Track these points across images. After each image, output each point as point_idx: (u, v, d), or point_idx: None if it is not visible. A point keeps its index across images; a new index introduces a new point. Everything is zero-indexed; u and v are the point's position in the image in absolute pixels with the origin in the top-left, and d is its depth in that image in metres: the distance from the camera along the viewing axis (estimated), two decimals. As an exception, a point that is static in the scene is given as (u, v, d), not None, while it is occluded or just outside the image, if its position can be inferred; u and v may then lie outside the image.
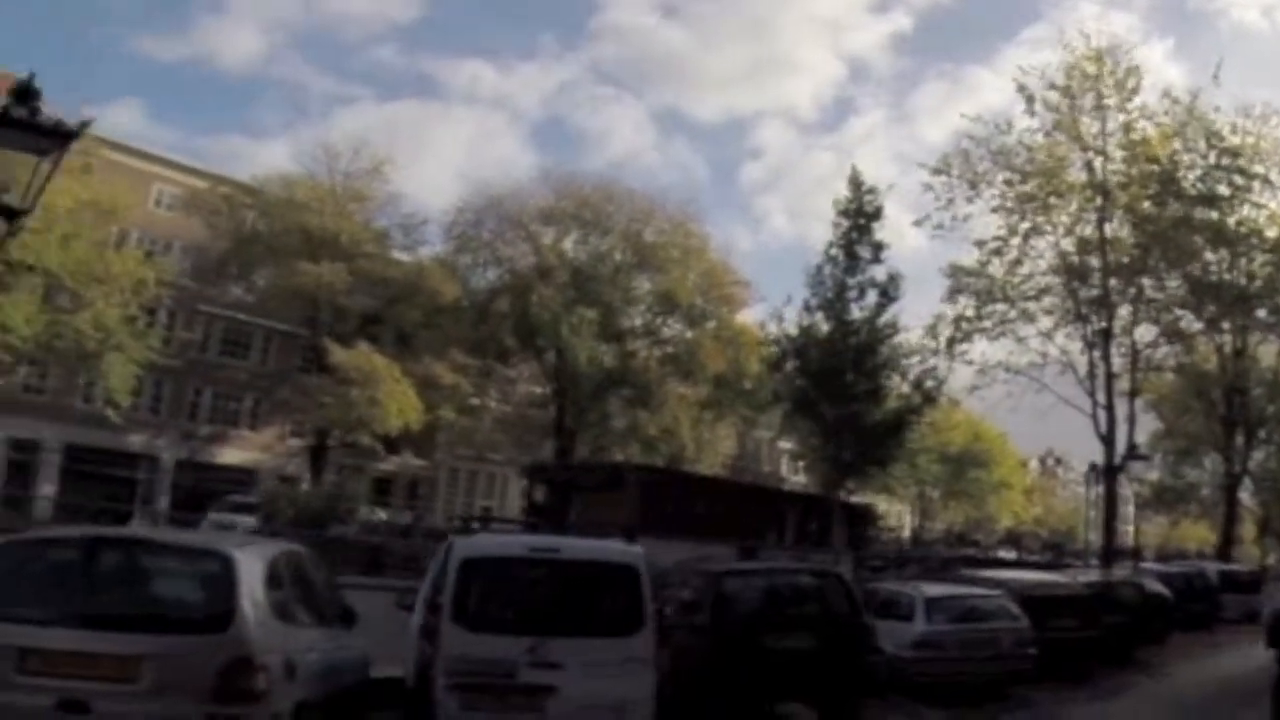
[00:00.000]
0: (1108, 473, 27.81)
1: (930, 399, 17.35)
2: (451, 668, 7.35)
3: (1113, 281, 28.63)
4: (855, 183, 16.63)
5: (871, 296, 16.48)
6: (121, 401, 34.18)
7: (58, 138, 7.25)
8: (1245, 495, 54.55)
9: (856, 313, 16.19)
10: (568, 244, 46.56)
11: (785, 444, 68.87)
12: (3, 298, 30.07)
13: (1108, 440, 27.37)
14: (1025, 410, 29.98)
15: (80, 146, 32.77)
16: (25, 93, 6.71)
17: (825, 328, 16.27)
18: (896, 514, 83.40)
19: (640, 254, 45.82)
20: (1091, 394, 27.84)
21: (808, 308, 17.11)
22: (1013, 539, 60.61)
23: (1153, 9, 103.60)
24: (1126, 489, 76.27)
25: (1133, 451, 24.55)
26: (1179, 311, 29.16)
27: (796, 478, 75.20)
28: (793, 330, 17.16)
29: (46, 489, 37.61)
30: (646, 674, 7.71)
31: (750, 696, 10.19)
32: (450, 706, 7.32)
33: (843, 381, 15.84)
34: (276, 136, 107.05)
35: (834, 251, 16.49)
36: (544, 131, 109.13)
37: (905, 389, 17.02)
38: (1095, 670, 16.17)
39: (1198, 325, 30.10)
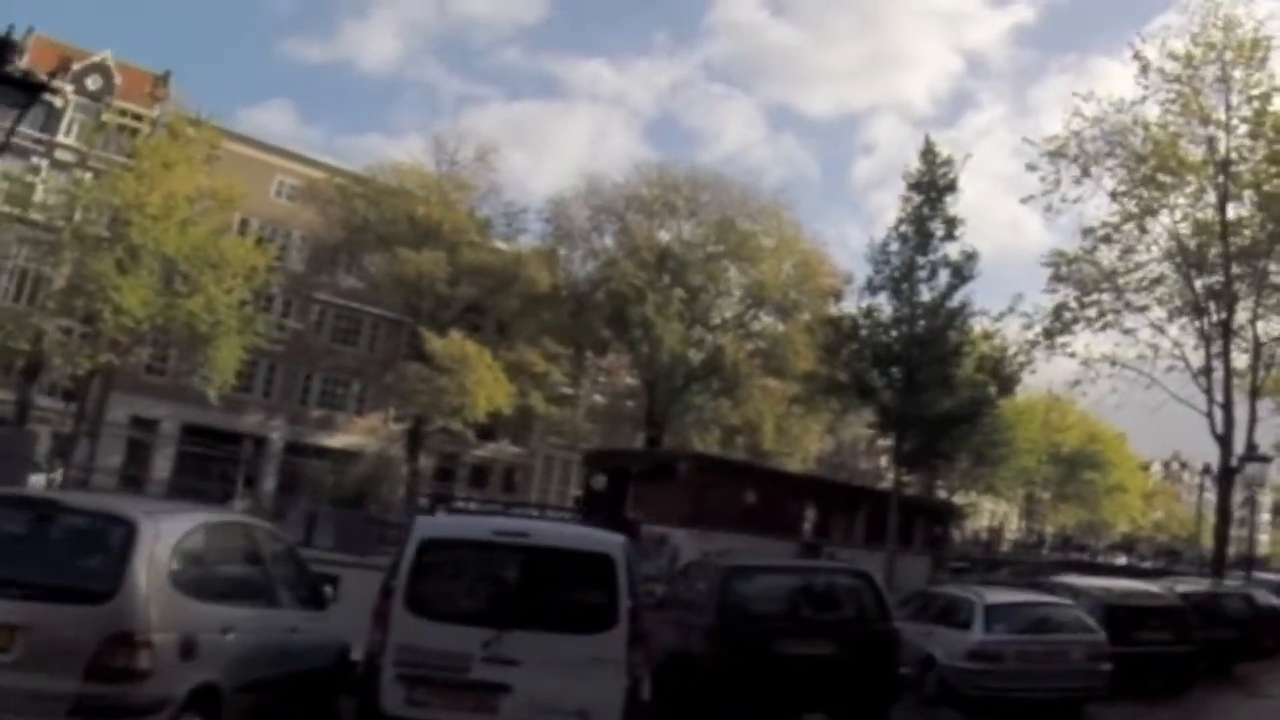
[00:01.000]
0: (1223, 476, 25.55)
1: (1007, 389, 15.86)
2: (400, 657, 6.76)
3: (1235, 269, 26.25)
4: (928, 153, 15.37)
5: (944, 278, 15.12)
6: (225, 384, 35.24)
7: (29, 90, 7.02)
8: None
9: (926, 294, 14.87)
10: (661, 233, 46.04)
11: (886, 442, 66.94)
12: (121, 280, 31.29)
13: (1224, 441, 25.16)
14: (1134, 407, 27.88)
15: (204, 138, 35.08)
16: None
17: (889, 309, 15.02)
18: (1002, 515, 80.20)
19: (731, 243, 45.00)
20: (1208, 391, 25.63)
21: (870, 287, 15.88)
22: (1126, 544, 57.29)
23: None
24: (1262, 497, 71.97)
25: (1252, 453, 22.38)
26: None
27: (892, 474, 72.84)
28: (853, 311, 15.99)
29: (163, 466, 39.05)
30: (616, 677, 6.93)
31: (759, 707, 9.27)
32: (396, 698, 6.73)
33: (906, 367, 14.55)
34: (411, 135, 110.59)
35: (904, 229, 15.21)
36: (658, 129, 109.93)
37: (979, 376, 15.51)
38: (1187, 688, 14.65)
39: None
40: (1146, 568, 39.60)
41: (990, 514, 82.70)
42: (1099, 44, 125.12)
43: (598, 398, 54.18)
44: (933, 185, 15.19)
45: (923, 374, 14.68)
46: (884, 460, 72.52)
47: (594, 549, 7.32)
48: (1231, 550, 65.24)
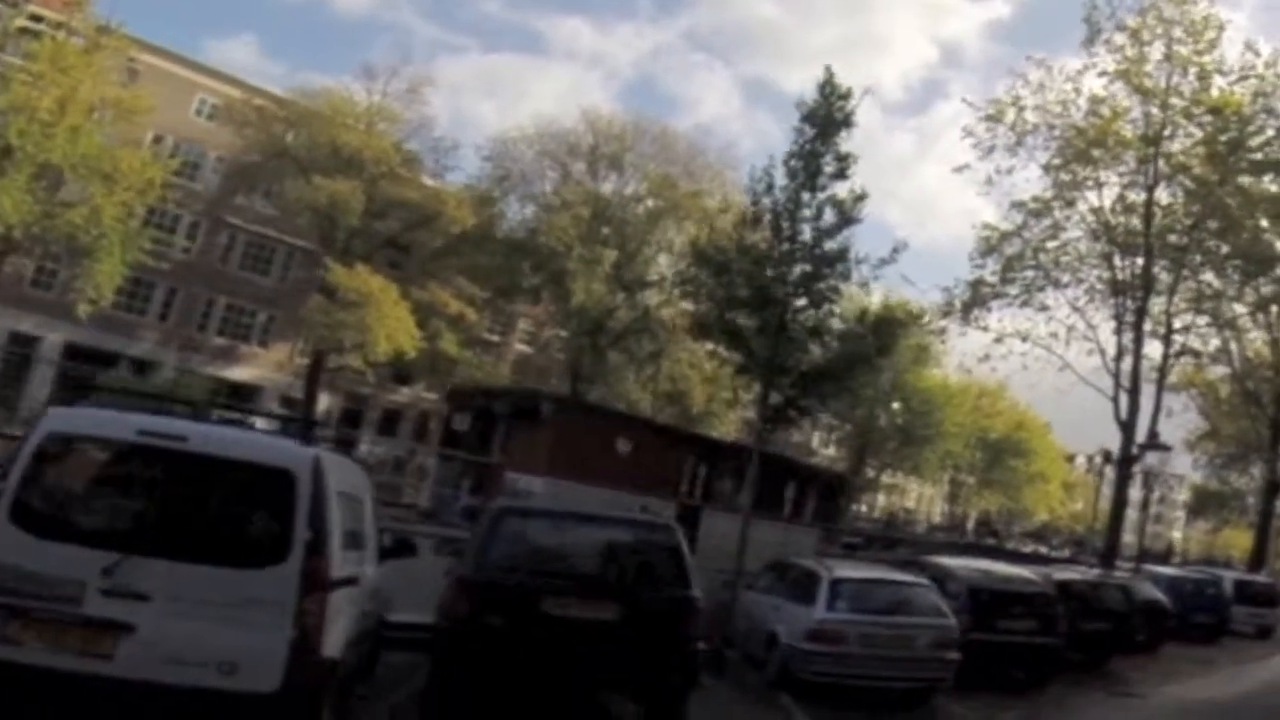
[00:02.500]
0: (1122, 463, 24.84)
1: (885, 349, 14.43)
2: None
3: (1156, 255, 25.44)
4: (827, 85, 13.92)
5: (830, 219, 13.71)
6: (101, 301, 33.14)
7: None
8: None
9: (809, 234, 13.44)
10: (603, 184, 44.51)
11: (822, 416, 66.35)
12: (-6, 182, 29.16)
13: (1126, 427, 24.50)
14: (1046, 389, 27.17)
15: (114, 46, 32.83)
16: None
17: (766, 247, 13.55)
18: (929, 498, 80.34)
19: (671, 200, 43.53)
20: (1115, 375, 24.98)
21: (746, 221, 14.38)
22: (1039, 533, 57.40)
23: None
24: (1178, 494, 72.49)
25: (1152, 441, 21.54)
26: (1218, 284, 25.82)
27: (826, 450, 72.57)
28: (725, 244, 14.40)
29: (40, 388, 36.85)
30: (279, 625, 5.54)
31: (523, 678, 7.86)
32: None
33: (780, 311, 13.17)
34: (382, 80, 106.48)
35: (793, 163, 13.76)
36: (635, 92, 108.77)
37: (857, 328, 14.12)
38: (1050, 682, 13.67)
39: (1243, 309, 26.79)
40: (1050, 555, 39.29)
41: (917, 496, 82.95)
42: (1068, 43, 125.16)
43: (525, 348, 52.75)
44: (828, 119, 13.74)
45: (796, 322, 13.29)
46: (815, 433, 72.36)
47: (270, 462, 5.82)
48: (1144, 544, 66.10)
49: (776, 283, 13.19)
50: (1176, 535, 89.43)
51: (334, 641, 5.98)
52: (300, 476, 5.77)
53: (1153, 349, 25.78)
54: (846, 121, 13.78)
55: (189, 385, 33.14)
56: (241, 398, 41.67)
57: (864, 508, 62.78)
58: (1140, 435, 23.84)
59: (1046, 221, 26.76)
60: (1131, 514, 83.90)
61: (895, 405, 59.31)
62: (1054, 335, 25.96)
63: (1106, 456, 27.26)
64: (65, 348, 38.70)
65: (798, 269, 13.32)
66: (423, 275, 40.29)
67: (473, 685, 7.86)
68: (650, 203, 44.98)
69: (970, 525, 62.59)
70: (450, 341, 39.75)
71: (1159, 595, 19.20)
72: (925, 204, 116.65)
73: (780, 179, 13.70)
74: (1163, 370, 25.74)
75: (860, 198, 13.65)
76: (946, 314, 25.39)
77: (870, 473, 67.36)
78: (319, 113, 39.58)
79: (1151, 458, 20.53)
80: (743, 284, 13.10)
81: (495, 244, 41.70)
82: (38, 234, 31.56)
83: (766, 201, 13.75)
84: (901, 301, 29.79)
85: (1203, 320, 26.81)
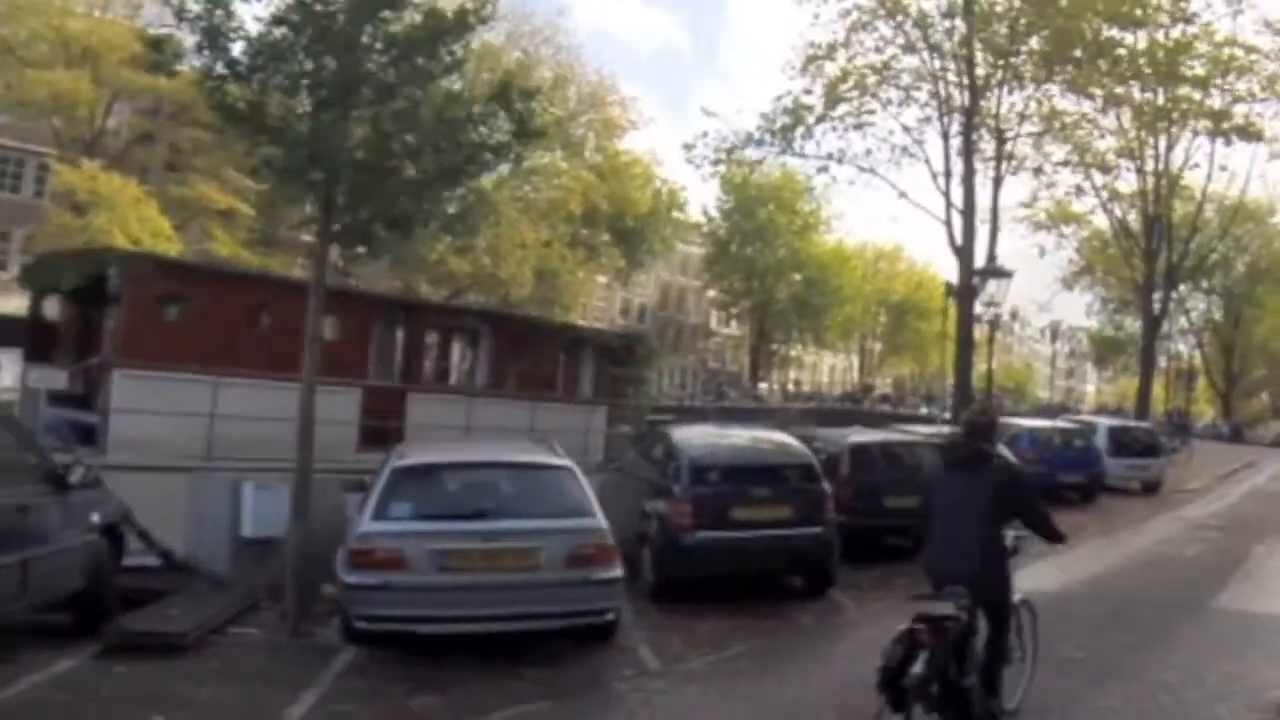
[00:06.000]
0: (962, 294, 21.00)
1: (525, 136, 9.40)
2: None
3: (980, 51, 21.30)
4: None
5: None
6: None
7: None
8: (1186, 349, 48.87)
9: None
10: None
11: (714, 293, 62.43)
12: None
13: (963, 253, 20.70)
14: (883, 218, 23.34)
15: None
16: None
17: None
18: (842, 369, 77.59)
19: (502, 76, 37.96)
20: (946, 193, 21.20)
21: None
22: (929, 395, 54.71)
23: None
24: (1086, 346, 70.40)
25: (991, 266, 17.56)
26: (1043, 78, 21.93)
27: (727, 329, 68.97)
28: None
29: None
30: None
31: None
32: None
33: (338, 83, 8.34)
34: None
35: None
36: None
37: (487, 108, 9.18)
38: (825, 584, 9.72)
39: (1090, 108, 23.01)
40: (898, 414, 36.43)
41: (830, 368, 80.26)
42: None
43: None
44: None
45: (390, 102, 8.54)
46: (713, 313, 68.57)
47: None
48: (1053, 398, 63.87)
49: (339, 49, 8.30)
50: (1089, 389, 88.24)
51: None
52: None
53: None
54: None
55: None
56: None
57: (767, 385, 59.52)
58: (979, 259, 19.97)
59: (875, 36, 22.44)
60: (1042, 369, 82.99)
61: (795, 276, 55.84)
62: (869, 152, 22.25)
63: (949, 289, 23.37)
64: None
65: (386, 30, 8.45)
66: (189, 171, 34.47)
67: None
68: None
69: (877, 393, 59.57)
70: (225, 242, 34.20)
71: (1004, 452, 15.26)
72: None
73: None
74: (997, 172, 22.00)
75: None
76: (759, 141, 21.33)
77: (775, 346, 64.08)
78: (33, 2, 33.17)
79: (991, 284, 16.42)
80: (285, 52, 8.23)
81: (268, 131, 35.77)
82: None
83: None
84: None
85: (1035, 127, 23.05)
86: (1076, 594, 10.27)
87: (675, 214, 45.49)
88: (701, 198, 76.54)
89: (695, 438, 10.57)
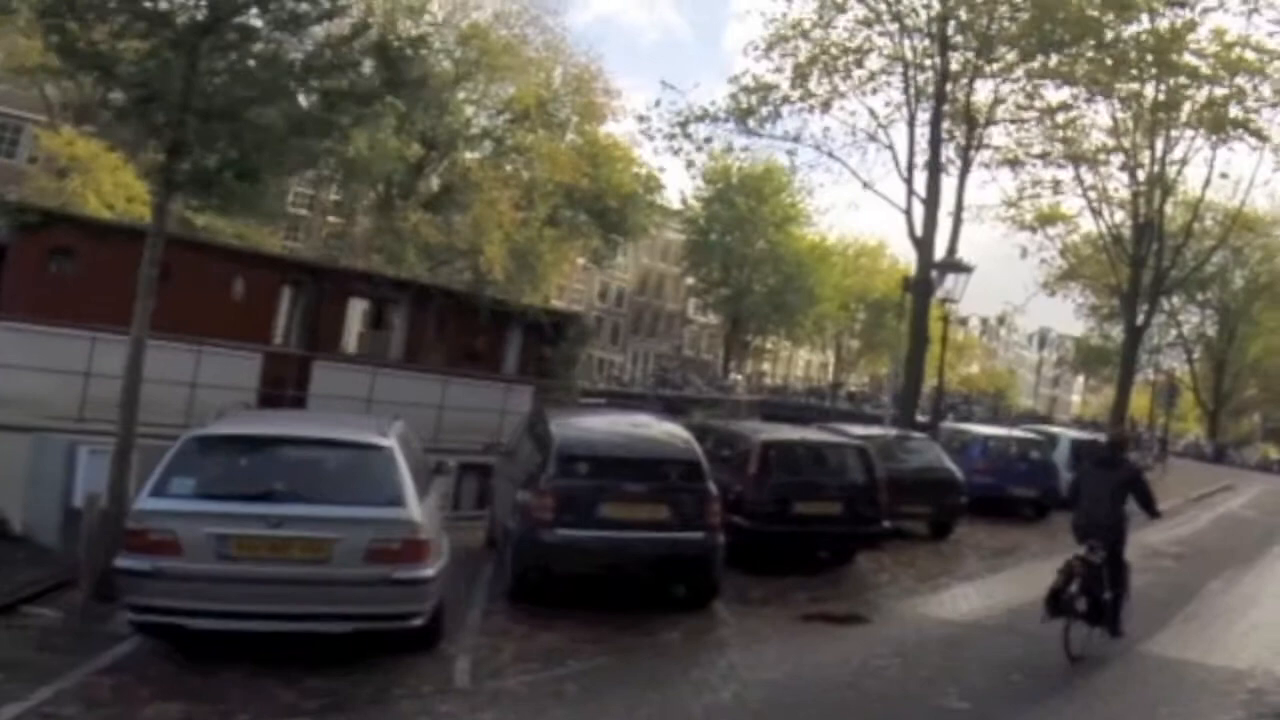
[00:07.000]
0: (919, 288, 19.96)
1: (396, 85, 8.20)
2: None
3: (951, 32, 20.24)
4: None
5: None
6: None
7: None
8: (1175, 363, 47.79)
9: None
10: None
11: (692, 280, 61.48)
12: None
13: (923, 245, 19.65)
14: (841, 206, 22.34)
15: None
16: None
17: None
18: (816, 365, 76.69)
19: (482, 52, 37.13)
20: (909, 180, 20.11)
21: None
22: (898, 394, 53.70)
23: None
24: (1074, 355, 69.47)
25: (950, 259, 16.52)
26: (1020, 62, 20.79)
27: (704, 318, 68.00)
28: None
29: None
30: None
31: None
32: None
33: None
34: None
35: None
36: None
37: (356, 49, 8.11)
38: (710, 596, 8.73)
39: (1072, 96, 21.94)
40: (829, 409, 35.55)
41: (806, 363, 79.38)
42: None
43: (332, 219, 46.30)
44: None
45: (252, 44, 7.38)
46: (691, 301, 67.44)
47: None
48: (1035, 407, 62.79)
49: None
50: (1075, 399, 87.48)
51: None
52: None
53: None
54: None
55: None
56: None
57: (737, 376, 58.49)
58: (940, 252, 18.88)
59: (850, 16, 21.33)
60: (1027, 376, 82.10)
61: (771, 277, 54.93)
62: (851, 141, 21.07)
63: (905, 283, 22.33)
64: None
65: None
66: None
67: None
68: (459, 54, 38.45)
69: (845, 390, 58.63)
70: (213, 212, 33.10)
71: (946, 463, 14.23)
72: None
73: None
74: (964, 161, 20.92)
75: None
76: (715, 117, 20.39)
77: (750, 339, 63.19)
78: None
79: (950, 278, 15.40)
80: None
81: (106, 72, 34.66)
82: None
83: None
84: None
85: (1010, 114, 22.00)
86: (988, 625, 9.15)
87: (653, 198, 44.63)
88: (684, 185, 75.60)
89: (572, 425, 9.51)
